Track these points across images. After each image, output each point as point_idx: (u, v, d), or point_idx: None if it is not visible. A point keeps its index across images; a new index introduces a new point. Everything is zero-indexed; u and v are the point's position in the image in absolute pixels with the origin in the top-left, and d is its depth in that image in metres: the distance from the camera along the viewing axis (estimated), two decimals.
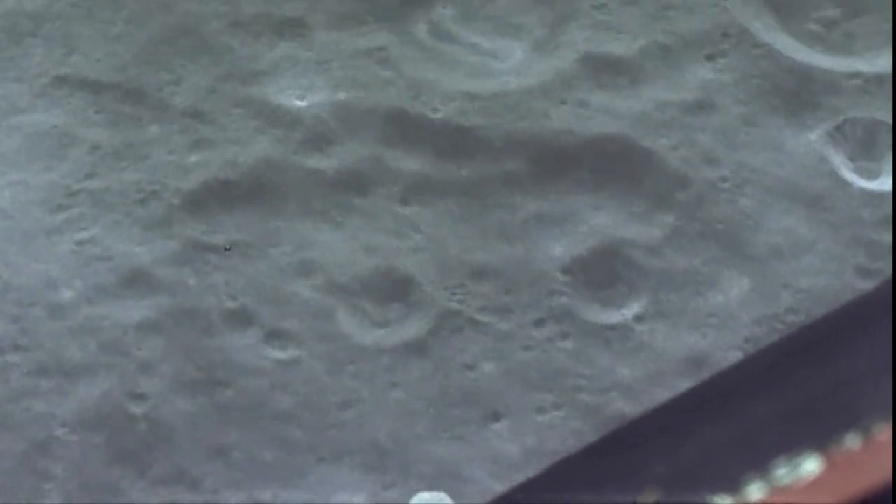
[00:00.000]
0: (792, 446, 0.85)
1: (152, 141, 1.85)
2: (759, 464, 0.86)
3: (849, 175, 1.85)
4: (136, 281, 1.73)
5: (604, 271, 1.76)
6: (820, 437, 0.85)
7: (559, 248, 1.78)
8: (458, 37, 1.98)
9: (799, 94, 1.93)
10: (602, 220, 1.81)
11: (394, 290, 1.75)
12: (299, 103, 1.89)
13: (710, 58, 1.96)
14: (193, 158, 1.83)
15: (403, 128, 1.87)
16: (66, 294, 1.72)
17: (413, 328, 1.71)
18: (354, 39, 1.96)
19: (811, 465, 0.84)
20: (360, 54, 1.94)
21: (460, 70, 1.94)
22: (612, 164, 1.85)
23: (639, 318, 1.71)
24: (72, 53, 1.94)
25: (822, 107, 1.92)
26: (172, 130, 1.86)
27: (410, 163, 1.84)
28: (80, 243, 1.76)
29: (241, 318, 1.71)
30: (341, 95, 1.90)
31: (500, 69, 1.95)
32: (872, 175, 1.85)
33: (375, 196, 1.82)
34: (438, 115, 1.88)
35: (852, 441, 0.83)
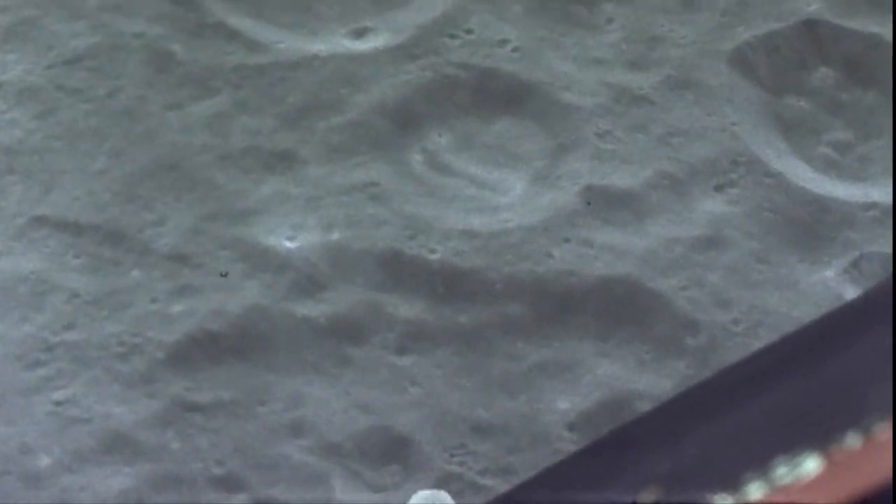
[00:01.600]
0: (792, 446, 0.85)
1: (134, 288, 1.76)
2: (758, 463, 0.85)
3: None
4: (116, 445, 1.63)
5: (611, 427, 1.67)
6: (820, 437, 0.84)
7: (564, 402, 1.68)
8: (455, 167, 1.90)
9: (813, 227, 1.84)
10: (609, 370, 1.71)
11: (391, 450, 1.65)
12: (289, 245, 1.79)
13: (719, 188, 1.87)
14: (177, 307, 1.74)
15: (399, 271, 1.78)
16: (44, 461, 1.62)
17: (412, 493, 1.61)
18: (347, 172, 1.87)
19: (811, 465, 0.83)
20: (352, 189, 1.85)
21: (458, 205, 1.85)
22: (618, 308, 1.76)
23: None
24: (50, 191, 1.85)
25: (837, 241, 1.84)
26: (155, 276, 1.77)
27: (407, 309, 1.75)
28: (58, 403, 1.66)
29: (229, 485, 1.61)
30: (333, 235, 1.80)
31: (500, 203, 1.86)
32: None
33: (370, 346, 1.72)
34: (435, 257, 1.78)
35: (852, 441, 0.83)
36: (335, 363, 1.71)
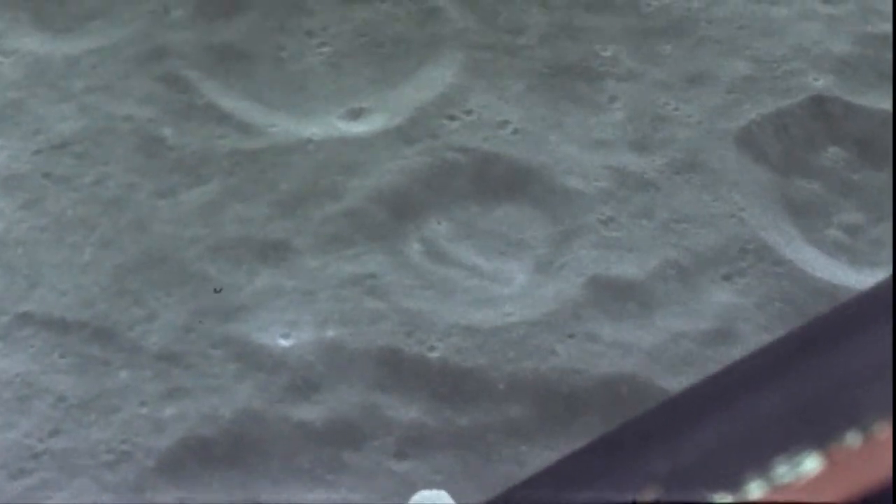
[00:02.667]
0: (792, 445, 0.85)
1: (123, 390, 1.69)
2: (759, 462, 0.86)
3: None
4: None
5: None
6: (820, 436, 0.84)
7: None
8: (455, 257, 1.84)
9: None
10: None
11: None
12: (283, 343, 1.73)
13: (727, 278, 1.81)
14: (168, 411, 1.68)
15: (398, 370, 1.71)
16: None
17: None
18: (342, 264, 1.81)
19: (811, 464, 0.83)
20: (349, 282, 1.79)
21: (458, 297, 1.79)
22: (625, 409, 1.69)
23: None
24: (36, 285, 1.78)
25: None
26: (145, 377, 1.70)
27: (405, 411, 1.68)
28: None
29: None
30: (329, 333, 1.74)
31: (501, 295, 1.79)
32: None
33: (368, 451, 1.66)
34: (435, 355, 1.72)
35: (852, 440, 0.83)
36: (332, 469, 1.64)
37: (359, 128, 1.95)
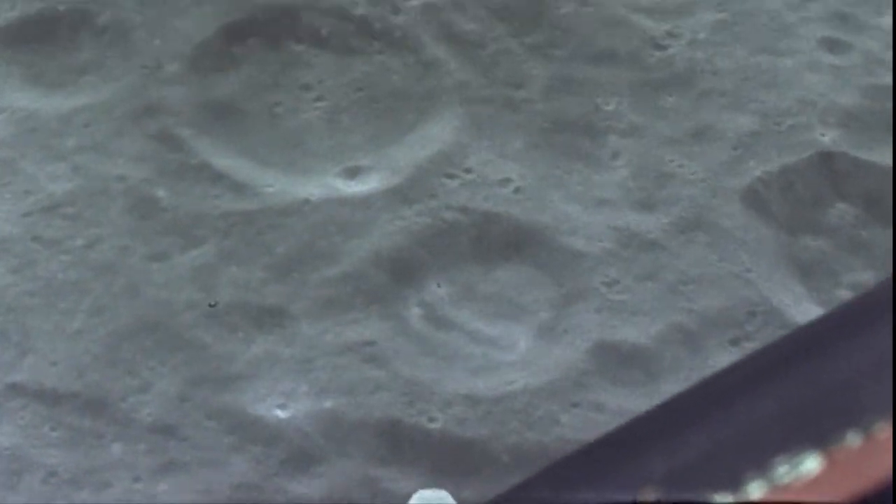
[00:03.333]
0: (792, 445, 0.85)
1: (116, 464, 1.65)
2: (759, 462, 0.86)
3: None
4: None
5: None
6: (820, 436, 0.85)
7: None
8: (455, 322, 1.79)
9: None
10: None
11: None
12: (280, 414, 1.69)
13: (735, 342, 1.77)
14: (162, 486, 1.63)
15: (398, 442, 1.67)
16: None
17: None
18: (341, 330, 1.77)
19: (811, 464, 0.83)
20: (347, 349, 1.75)
21: (459, 365, 1.75)
22: None
23: None
24: (26, 354, 1.74)
25: None
26: (138, 450, 1.66)
27: (406, 484, 1.64)
28: None
29: None
30: (327, 403, 1.70)
31: (503, 362, 1.75)
32: None
33: None
34: (436, 426, 1.68)
35: (852, 440, 0.83)
36: None
37: (356, 187, 1.91)
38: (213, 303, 1.74)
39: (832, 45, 2.13)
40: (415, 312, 1.80)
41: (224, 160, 1.94)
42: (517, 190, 1.92)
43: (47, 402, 1.70)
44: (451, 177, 1.93)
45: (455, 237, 1.86)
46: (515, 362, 1.75)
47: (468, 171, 1.94)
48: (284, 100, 2.03)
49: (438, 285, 1.82)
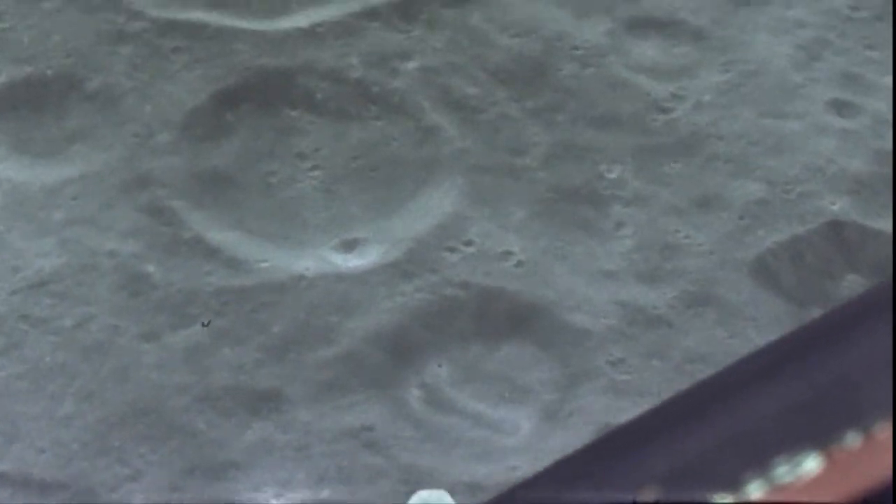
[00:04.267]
0: (792, 445, 0.85)
1: None
2: (758, 462, 0.85)
3: None
4: None
5: None
6: (820, 436, 0.84)
7: None
8: (456, 404, 1.74)
9: None
10: None
11: None
12: None
13: None
14: None
15: None
16: None
17: None
18: (338, 415, 1.71)
19: (811, 464, 0.83)
20: (344, 435, 1.69)
21: (460, 450, 1.69)
22: None
23: None
24: (13, 441, 1.68)
25: None
26: None
27: None
28: None
29: None
30: (324, 492, 1.64)
31: (506, 447, 1.70)
32: None
33: None
34: None
35: (852, 440, 0.83)
36: None
37: (354, 262, 1.86)
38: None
39: (840, 107, 2.08)
40: (415, 395, 1.74)
41: (217, 233, 1.88)
42: (519, 263, 1.87)
43: (34, 492, 1.64)
44: (451, 250, 1.87)
45: (456, 314, 1.81)
46: (518, 447, 1.70)
47: (469, 243, 1.88)
48: (279, 169, 1.97)
49: (439, 365, 1.77)
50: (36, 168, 1.96)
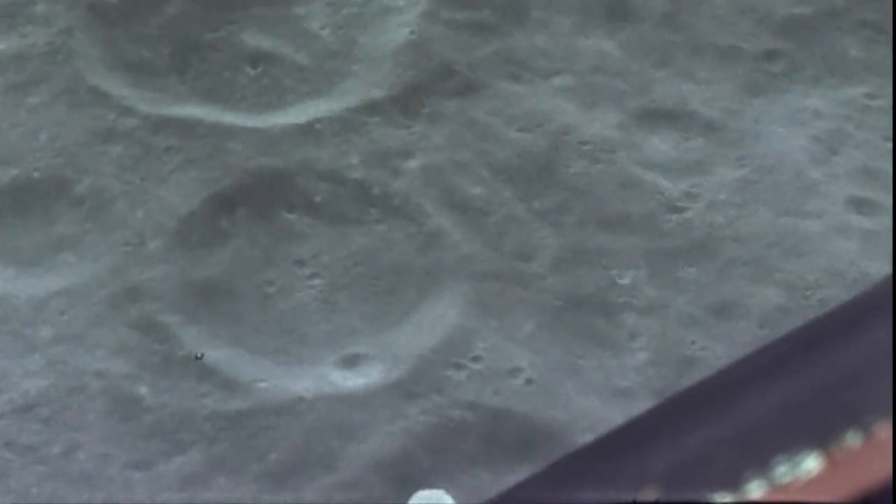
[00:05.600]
0: (792, 444, 0.84)
1: None
2: (758, 462, 0.85)
3: None
4: None
5: None
6: (820, 435, 0.84)
7: None
8: None
9: None
10: None
11: None
12: None
13: None
14: None
15: None
16: None
17: None
18: None
19: (811, 464, 0.82)
20: None
21: None
22: None
23: None
24: None
25: None
26: None
27: None
28: None
29: None
30: None
31: None
32: None
33: None
34: None
35: (852, 439, 0.82)
36: None
37: (355, 380, 1.77)
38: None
39: (860, 205, 1.99)
40: None
41: (212, 351, 1.79)
42: (528, 381, 1.78)
43: None
44: (457, 367, 1.79)
45: (462, 438, 1.72)
46: None
47: (475, 359, 1.80)
48: (277, 278, 1.89)
49: (445, 492, 1.68)
50: (22, 279, 1.88)
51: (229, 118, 2.06)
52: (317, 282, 1.89)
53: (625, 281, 1.90)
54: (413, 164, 2.02)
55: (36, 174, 1.99)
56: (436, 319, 1.84)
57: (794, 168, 2.05)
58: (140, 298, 1.84)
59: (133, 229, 1.92)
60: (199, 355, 1.66)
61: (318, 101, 2.10)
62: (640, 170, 2.03)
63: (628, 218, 1.97)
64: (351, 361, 1.80)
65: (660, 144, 2.06)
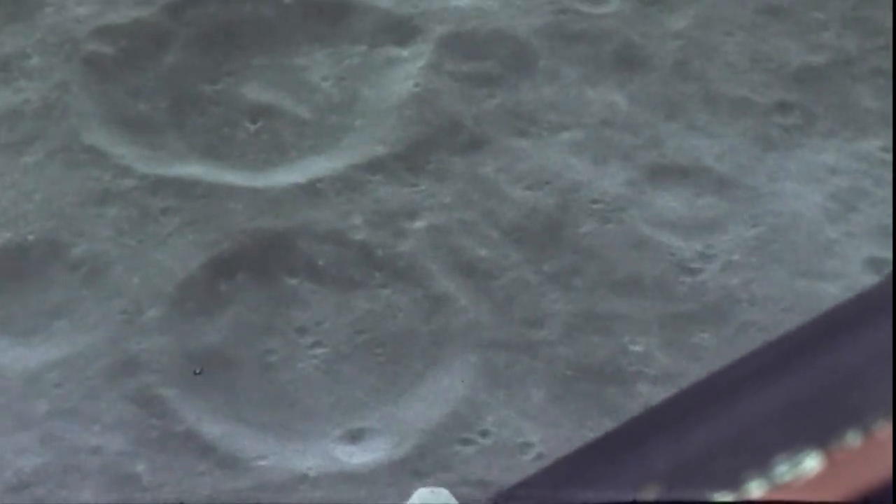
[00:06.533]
0: (792, 444, 0.84)
1: None
2: (759, 461, 0.85)
3: None
4: None
5: None
6: (820, 435, 0.83)
7: None
8: None
9: None
10: None
11: None
12: None
13: None
14: None
15: None
16: None
17: None
18: None
19: (811, 463, 0.82)
20: None
21: None
22: None
23: None
24: None
25: None
26: None
27: None
28: None
29: None
30: None
31: None
32: None
33: None
34: None
35: (852, 439, 0.82)
36: None
37: (361, 457, 1.71)
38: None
39: (879, 266, 1.94)
40: None
41: (212, 426, 1.74)
42: (539, 456, 1.72)
43: None
44: (465, 442, 1.73)
45: None
46: None
47: (484, 433, 1.74)
48: (278, 347, 1.83)
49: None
50: (15, 350, 1.82)
51: (229, 177, 2.00)
52: (319, 351, 1.83)
53: (637, 348, 1.84)
54: (418, 224, 1.96)
55: (30, 237, 1.93)
56: (443, 391, 1.78)
57: (809, 227, 1.99)
58: (137, 370, 1.79)
59: (130, 296, 1.86)
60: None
61: (320, 157, 2.04)
62: (651, 229, 1.97)
63: (640, 281, 1.91)
64: (356, 436, 1.74)
65: (671, 202, 2.01)
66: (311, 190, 1.99)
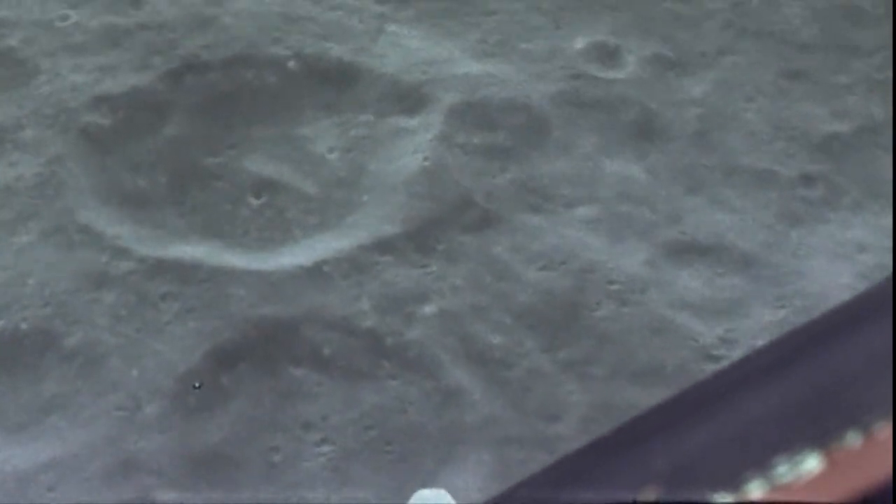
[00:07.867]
0: (792, 444, 0.85)
1: None
2: (759, 462, 0.86)
3: None
4: None
5: None
6: (820, 435, 0.84)
7: None
8: None
9: None
10: None
11: None
12: None
13: None
14: None
15: None
16: None
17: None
18: None
19: (811, 464, 0.82)
20: None
21: None
22: None
23: None
24: None
25: None
26: None
27: None
28: None
29: None
30: None
31: None
32: None
33: None
34: None
35: (852, 439, 0.83)
36: None
37: None
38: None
39: None
40: None
41: None
42: None
43: None
44: None
45: None
46: None
47: None
48: (283, 444, 1.75)
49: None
50: (8, 448, 1.74)
51: (231, 258, 1.92)
52: (326, 448, 1.75)
53: None
54: (428, 309, 1.88)
55: (23, 325, 1.85)
56: (455, 493, 1.70)
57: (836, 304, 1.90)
58: (135, 472, 1.70)
59: (127, 391, 1.78)
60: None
61: (326, 236, 1.96)
62: (671, 312, 1.89)
63: (661, 369, 1.83)
64: None
65: (692, 282, 1.92)
66: (316, 273, 1.91)
